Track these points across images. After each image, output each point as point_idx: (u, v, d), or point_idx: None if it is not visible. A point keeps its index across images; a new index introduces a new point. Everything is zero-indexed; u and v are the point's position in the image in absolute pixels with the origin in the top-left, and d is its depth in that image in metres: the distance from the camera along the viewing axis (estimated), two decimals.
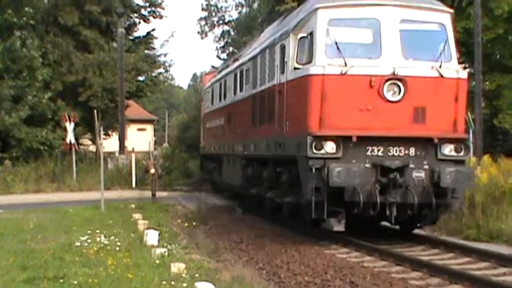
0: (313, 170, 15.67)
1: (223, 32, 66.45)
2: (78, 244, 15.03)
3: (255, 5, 58.28)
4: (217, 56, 66.49)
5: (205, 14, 66.72)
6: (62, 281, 11.12)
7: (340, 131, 15.96)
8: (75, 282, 10.90)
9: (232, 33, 65.16)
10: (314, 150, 15.84)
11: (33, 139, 38.71)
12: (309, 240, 18.06)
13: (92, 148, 46.30)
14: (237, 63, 26.62)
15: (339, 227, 16.69)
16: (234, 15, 66.47)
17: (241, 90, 24.79)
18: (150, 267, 12.52)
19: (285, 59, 18.15)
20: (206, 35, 68.66)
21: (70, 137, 36.74)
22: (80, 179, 36.70)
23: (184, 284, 10.98)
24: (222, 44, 66.71)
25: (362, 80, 16.20)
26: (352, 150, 15.97)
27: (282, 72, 18.35)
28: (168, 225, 20.11)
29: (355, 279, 12.95)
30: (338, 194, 15.69)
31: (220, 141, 29.95)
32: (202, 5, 67.16)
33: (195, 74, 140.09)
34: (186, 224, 21.36)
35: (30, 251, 14.41)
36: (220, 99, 30.14)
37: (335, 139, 15.90)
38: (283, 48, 18.66)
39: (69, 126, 36.63)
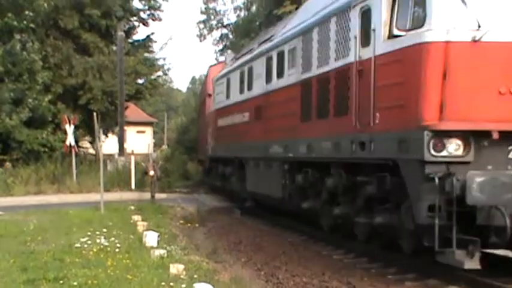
0: (436, 179, 11.34)
1: (221, 35, 66.56)
2: (78, 245, 15.03)
3: (253, 9, 58.29)
4: (216, 59, 66.58)
5: (204, 17, 66.87)
6: (61, 282, 11.11)
7: (472, 123, 11.61)
8: (75, 283, 10.90)
9: (230, 36, 65.16)
10: (433, 152, 11.55)
11: (34, 141, 38.72)
12: (307, 241, 18.08)
13: (92, 150, 46.30)
14: (268, 44, 21.58)
15: (471, 262, 11.53)
16: (233, 18, 66.57)
17: (280, 76, 19.70)
18: (149, 268, 12.49)
19: (372, 26, 13.44)
20: (205, 38, 68.83)
21: (70, 140, 36.75)
22: (80, 180, 36.66)
23: (183, 285, 10.97)
24: (221, 47, 66.79)
25: (504, 50, 11.82)
26: (488, 152, 11.74)
27: (366, 44, 13.69)
28: (167, 227, 20.09)
29: (352, 280, 12.98)
30: (463, 215, 11.50)
31: (242, 141, 24.55)
32: (201, 8, 67.42)
33: (193, 77, 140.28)
34: (185, 225, 21.38)
35: (30, 252, 14.39)
36: (241, 91, 24.81)
37: (463, 135, 11.63)
38: (366, 12, 13.93)
39: (69, 129, 36.64)
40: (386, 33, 13.01)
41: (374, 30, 13.34)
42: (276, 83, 20.02)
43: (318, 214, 17.72)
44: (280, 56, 19.65)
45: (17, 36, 38.37)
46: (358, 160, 14.35)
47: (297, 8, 25.32)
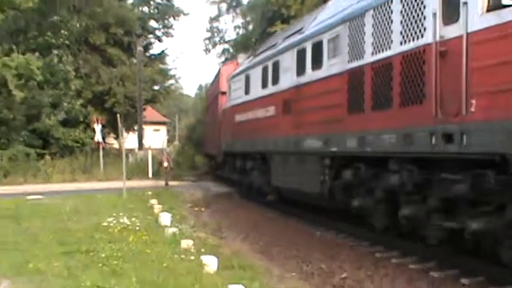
0: None
1: (223, 49, 66.50)
2: (105, 224, 15.00)
3: (250, 27, 58.17)
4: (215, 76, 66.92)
5: (209, 34, 66.93)
6: (92, 254, 11.15)
7: None
8: (103, 255, 10.93)
9: (231, 50, 65.12)
10: None
11: (68, 138, 39.32)
12: (294, 220, 18.05)
13: (116, 145, 46.38)
14: (299, 37, 17.39)
15: None
16: (233, 35, 66.61)
17: (316, 67, 15.52)
18: (164, 244, 12.50)
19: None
20: (210, 52, 69.14)
21: (98, 137, 36.92)
22: (106, 170, 36.75)
23: (192, 257, 10.98)
24: (223, 59, 66.83)
25: None
26: None
27: (452, 21, 10.09)
28: (178, 209, 20.07)
29: (332, 252, 13.01)
30: None
31: (266, 136, 19.91)
32: (206, 27, 67.53)
33: (200, 85, 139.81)
34: (194, 208, 21.38)
35: (66, 230, 14.41)
36: (264, 86, 20.33)
37: None
38: None
39: (97, 128, 36.79)
40: (485, 5, 9.48)
41: (466, 3, 9.79)
42: (311, 75, 15.93)
43: (369, 213, 13.45)
44: (317, 46, 15.55)
45: (55, 51, 38.78)
46: (444, 155, 10.27)
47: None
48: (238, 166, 25.00)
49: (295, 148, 16.99)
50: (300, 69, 16.73)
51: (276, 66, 19.07)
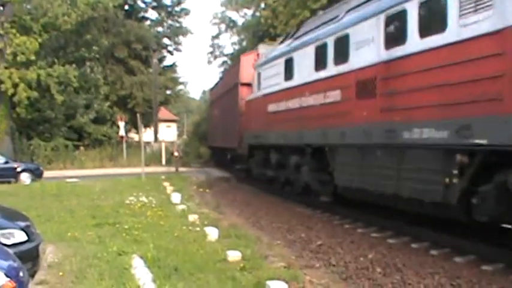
0: None
1: (223, 61, 66.46)
2: (128, 202, 15.03)
3: (244, 43, 58.07)
4: (220, 78, 66.90)
5: (211, 49, 66.94)
6: (117, 226, 11.16)
7: None
8: (126, 226, 10.94)
9: (229, 62, 65.16)
10: None
11: (98, 133, 39.72)
12: (279, 199, 18.04)
13: (136, 138, 46.39)
14: (385, 1, 10.91)
15: None
16: (230, 50, 66.48)
17: (431, 32, 9.17)
18: (175, 217, 12.52)
19: None
20: (211, 63, 69.19)
21: (122, 131, 36.85)
22: (128, 159, 36.73)
23: (197, 228, 11.01)
24: (222, 69, 66.81)
25: None
26: None
27: None
28: (186, 190, 20.05)
29: (310, 224, 13.03)
30: None
31: (327, 126, 13.29)
32: (209, 43, 67.33)
33: (204, 90, 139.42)
34: (199, 189, 21.37)
35: (97, 206, 14.42)
36: (322, 67, 13.55)
37: None
38: None
39: (121, 124, 36.70)
40: None
41: None
42: (419, 44, 9.53)
43: None
44: (431, 4, 9.38)
45: (88, 63, 39.15)
46: None
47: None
48: (275, 161, 18.20)
49: (387, 140, 10.60)
50: (394, 40, 10.47)
51: (342, 42, 12.53)
